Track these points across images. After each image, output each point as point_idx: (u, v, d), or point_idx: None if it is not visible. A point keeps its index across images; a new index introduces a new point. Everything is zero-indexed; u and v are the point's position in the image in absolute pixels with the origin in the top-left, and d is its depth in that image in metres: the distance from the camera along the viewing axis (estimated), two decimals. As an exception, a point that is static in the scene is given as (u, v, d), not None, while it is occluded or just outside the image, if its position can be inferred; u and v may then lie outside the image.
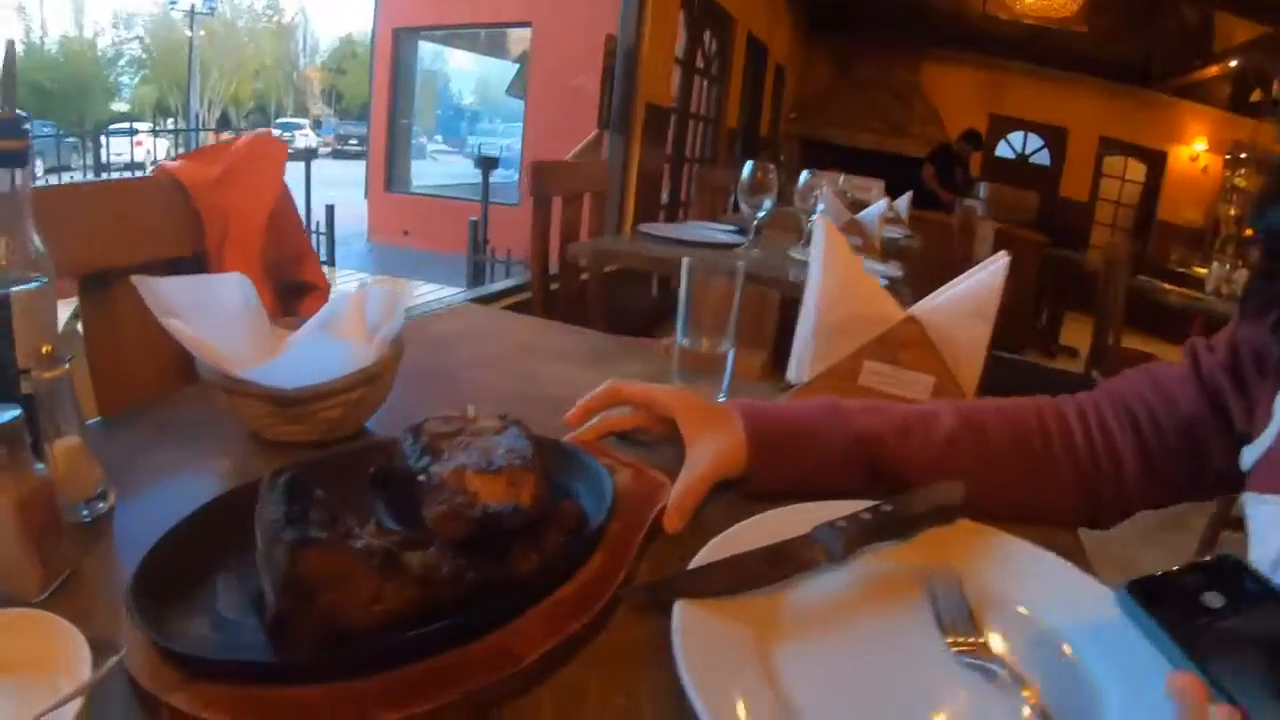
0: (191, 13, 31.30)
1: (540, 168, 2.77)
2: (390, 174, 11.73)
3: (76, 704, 0.44)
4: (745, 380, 1.23)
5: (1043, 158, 11.06)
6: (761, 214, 2.81)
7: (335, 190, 11.49)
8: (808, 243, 3.01)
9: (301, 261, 1.45)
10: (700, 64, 6.86)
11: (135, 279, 0.83)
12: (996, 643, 0.59)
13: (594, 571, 0.60)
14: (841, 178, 5.70)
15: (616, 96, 5.29)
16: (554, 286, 2.99)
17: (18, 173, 0.75)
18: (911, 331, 1.10)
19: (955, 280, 1.15)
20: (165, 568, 0.55)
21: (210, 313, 0.84)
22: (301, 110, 40.38)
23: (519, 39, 11.46)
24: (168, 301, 0.82)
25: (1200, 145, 10.27)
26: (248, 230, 1.32)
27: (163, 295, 0.82)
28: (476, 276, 6.64)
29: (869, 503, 0.71)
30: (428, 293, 7.79)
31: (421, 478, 0.59)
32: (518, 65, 12.03)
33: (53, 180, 9.81)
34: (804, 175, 3.25)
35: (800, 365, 1.18)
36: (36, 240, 0.77)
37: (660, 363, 1.22)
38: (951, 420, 0.83)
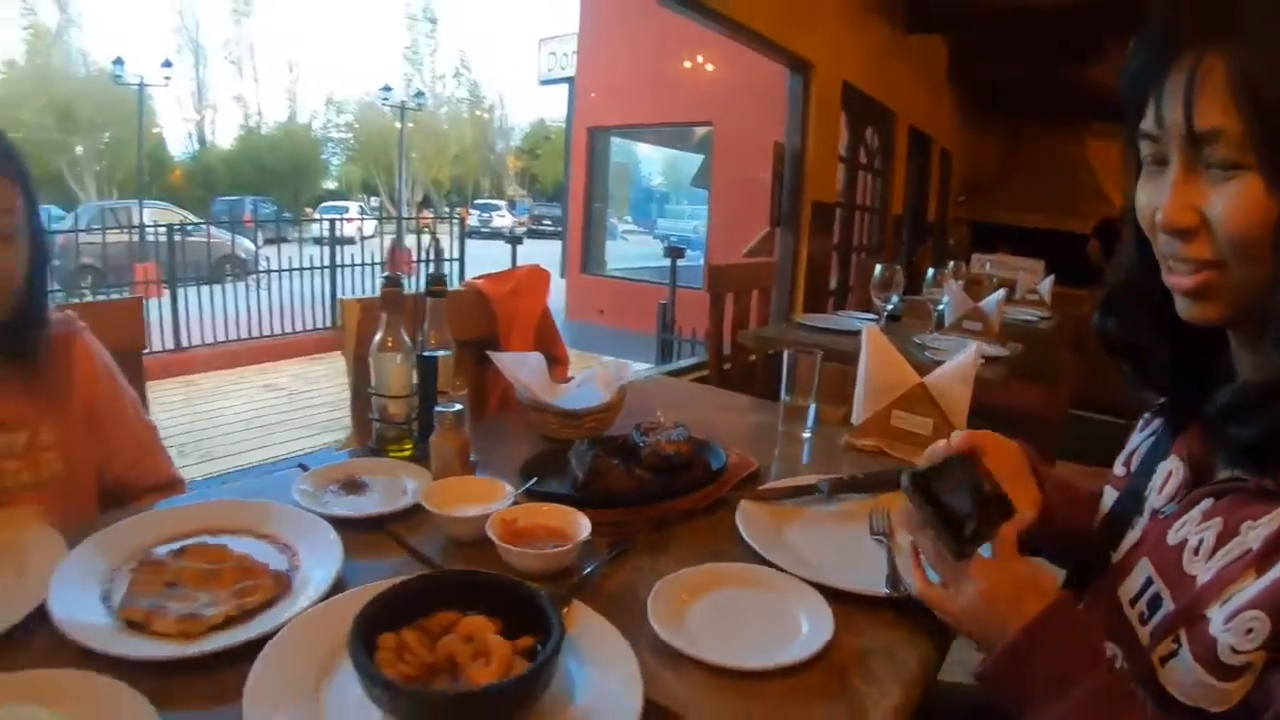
0: (402, 107, 34.46)
1: (716, 271, 3.61)
2: (586, 257, 12.97)
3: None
4: (827, 424, 1.96)
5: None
6: (890, 306, 3.44)
7: (534, 271, 12.68)
8: (935, 329, 3.69)
9: (554, 344, 2.29)
10: (864, 159, 7.47)
11: (491, 354, 1.67)
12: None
13: (710, 490, 1.38)
14: (988, 262, 6.22)
15: (785, 197, 6.02)
16: (727, 366, 3.79)
17: (440, 301, 1.59)
18: (920, 392, 1.82)
19: (950, 360, 1.86)
20: (530, 470, 1.36)
21: (526, 370, 1.68)
22: (498, 191, 43.43)
23: (703, 132, 12.45)
24: (508, 365, 1.66)
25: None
26: (526, 326, 2.19)
27: (505, 362, 1.66)
28: (664, 353, 7.47)
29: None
30: (621, 366, 8.70)
31: (641, 444, 1.39)
32: (701, 158, 13.07)
33: (270, 250, 11.29)
34: (930, 273, 3.92)
35: (858, 413, 1.91)
36: (447, 334, 1.62)
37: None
38: None
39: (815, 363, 1.84)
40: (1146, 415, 1.08)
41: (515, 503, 1.26)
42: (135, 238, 10.10)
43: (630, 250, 16.66)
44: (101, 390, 1.48)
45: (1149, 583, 0.89)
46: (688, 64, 11.05)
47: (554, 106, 42.26)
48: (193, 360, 8.12)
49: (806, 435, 1.87)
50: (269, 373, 8.35)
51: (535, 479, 1.33)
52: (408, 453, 1.59)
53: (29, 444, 1.36)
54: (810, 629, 1.03)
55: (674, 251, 6.95)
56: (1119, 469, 1.09)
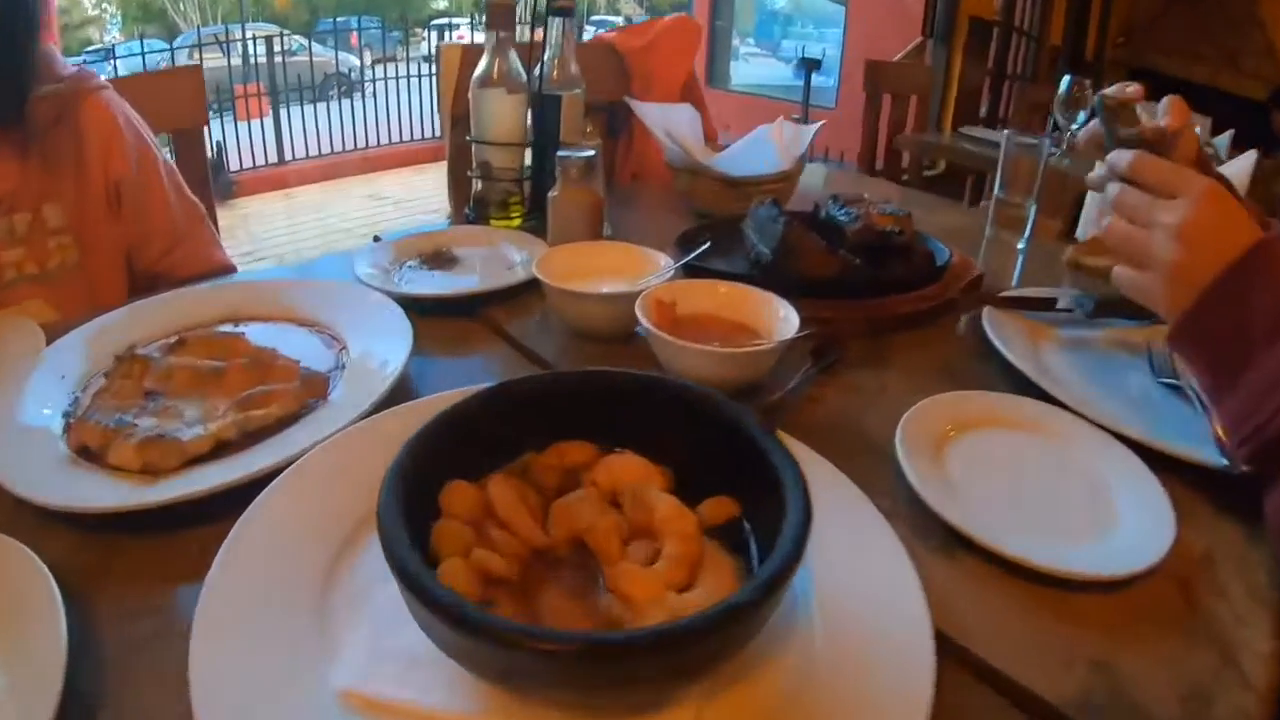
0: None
1: (874, 66, 3.12)
2: (711, 71, 12.33)
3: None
4: (1041, 240, 1.54)
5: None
6: (1075, 127, 2.94)
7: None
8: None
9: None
10: (1026, -26, 6.76)
11: (631, 101, 1.28)
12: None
13: (937, 288, 0.98)
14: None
15: (940, 6, 5.46)
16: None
17: (568, 21, 1.18)
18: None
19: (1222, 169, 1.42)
20: (690, 242, 0.99)
21: (677, 123, 1.28)
22: (613, 9, 42.08)
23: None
24: (653, 116, 1.26)
25: None
26: (667, 90, 1.76)
27: (650, 113, 1.26)
28: (795, 171, 7.00)
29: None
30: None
31: (843, 217, 0.99)
32: (835, -29, 12.16)
33: (378, 69, 11.01)
34: (1065, 81, 3.36)
35: (1084, 229, 1.48)
36: (575, 67, 1.21)
37: (977, 218, 1.54)
38: None
39: (1042, 154, 1.41)
40: None
41: (673, 279, 0.87)
42: (237, 60, 9.63)
43: (753, 70, 16.01)
44: (127, 162, 1.19)
45: None
46: None
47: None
48: (294, 174, 7.91)
49: (1021, 246, 1.44)
50: (373, 183, 8.08)
51: (705, 245, 0.94)
52: (516, 222, 1.22)
53: (32, 227, 1.13)
54: (1132, 508, 0.65)
55: (809, 64, 6.28)
56: None
